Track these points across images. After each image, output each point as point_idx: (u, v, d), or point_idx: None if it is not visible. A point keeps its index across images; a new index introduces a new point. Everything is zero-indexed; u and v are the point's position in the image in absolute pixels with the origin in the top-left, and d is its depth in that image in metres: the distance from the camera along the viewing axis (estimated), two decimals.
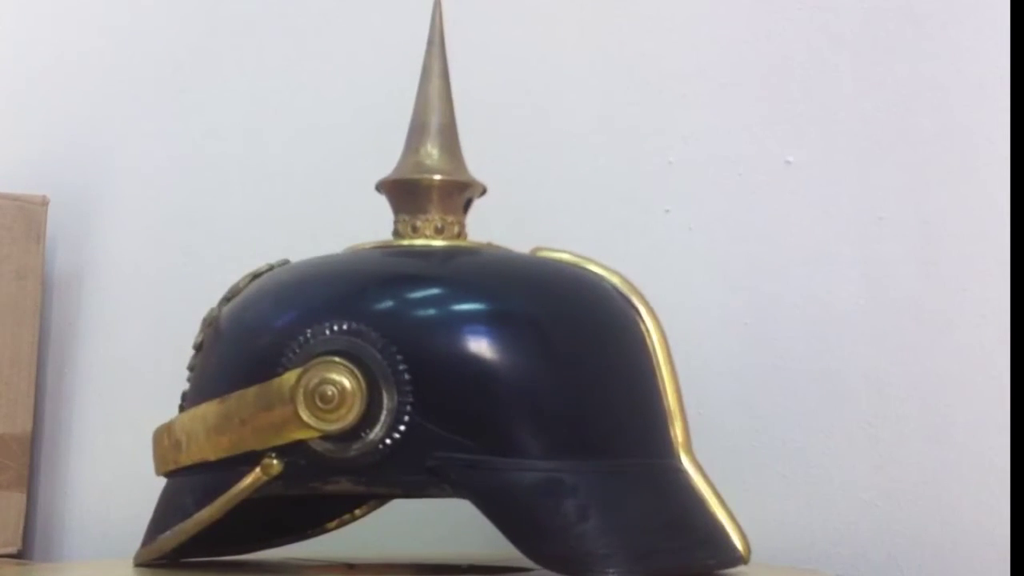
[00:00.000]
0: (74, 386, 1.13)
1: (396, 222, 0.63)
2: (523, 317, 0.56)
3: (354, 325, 0.54)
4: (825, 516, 0.76)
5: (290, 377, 0.54)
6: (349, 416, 0.53)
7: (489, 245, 0.62)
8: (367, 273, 0.59)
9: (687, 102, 0.85)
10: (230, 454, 0.56)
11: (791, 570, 0.72)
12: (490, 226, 0.65)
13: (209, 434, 0.57)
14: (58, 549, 1.10)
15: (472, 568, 0.69)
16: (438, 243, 0.61)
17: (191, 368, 0.63)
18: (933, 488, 0.73)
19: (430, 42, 0.64)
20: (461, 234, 0.63)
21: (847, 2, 0.79)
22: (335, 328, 0.54)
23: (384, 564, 0.72)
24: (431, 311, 0.56)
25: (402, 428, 0.52)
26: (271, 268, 0.63)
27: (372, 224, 0.64)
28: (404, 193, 0.63)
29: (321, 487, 0.55)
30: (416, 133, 0.63)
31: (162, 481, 0.63)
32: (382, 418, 0.53)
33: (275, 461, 0.54)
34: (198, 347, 0.62)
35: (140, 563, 0.61)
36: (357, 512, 0.72)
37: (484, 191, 0.64)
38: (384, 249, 0.62)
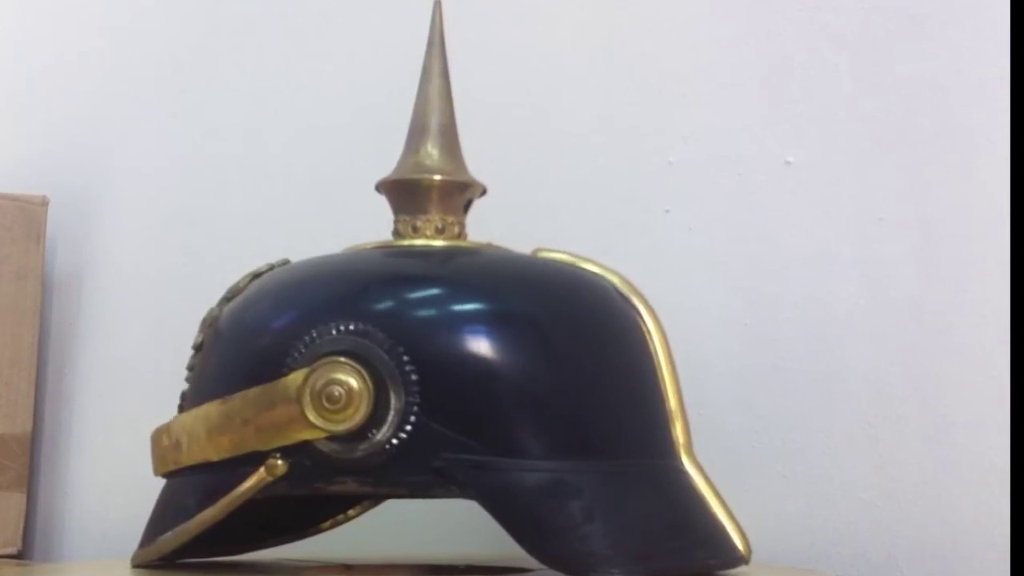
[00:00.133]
0: (74, 386, 1.13)
1: (396, 222, 0.63)
2: (524, 317, 0.56)
3: (360, 326, 0.53)
4: (825, 516, 0.76)
5: (296, 377, 0.53)
6: (356, 416, 0.53)
7: (489, 245, 0.62)
8: (371, 273, 0.59)
9: (687, 102, 0.84)
10: (232, 454, 0.56)
11: (791, 570, 0.72)
12: (490, 226, 0.65)
13: (211, 434, 0.57)
14: (58, 549, 1.10)
15: (470, 568, 0.69)
16: (439, 243, 0.61)
17: (191, 368, 0.62)
18: (933, 488, 0.73)
19: (430, 42, 0.64)
20: (461, 234, 0.63)
21: (847, 2, 0.79)
22: (341, 328, 0.54)
23: (382, 565, 0.72)
24: (435, 312, 0.56)
25: (409, 428, 0.52)
26: (271, 268, 0.63)
27: (372, 224, 0.64)
28: (404, 193, 0.63)
29: (326, 488, 0.55)
30: (416, 133, 0.63)
31: (162, 482, 0.63)
32: (389, 418, 0.53)
33: (280, 461, 0.54)
34: (198, 347, 0.62)
35: (139, 564, 0.61)
36: (351, 512, 0.72)
37: (484, 191, 0.64)
38: (385, 249, 0.62)
